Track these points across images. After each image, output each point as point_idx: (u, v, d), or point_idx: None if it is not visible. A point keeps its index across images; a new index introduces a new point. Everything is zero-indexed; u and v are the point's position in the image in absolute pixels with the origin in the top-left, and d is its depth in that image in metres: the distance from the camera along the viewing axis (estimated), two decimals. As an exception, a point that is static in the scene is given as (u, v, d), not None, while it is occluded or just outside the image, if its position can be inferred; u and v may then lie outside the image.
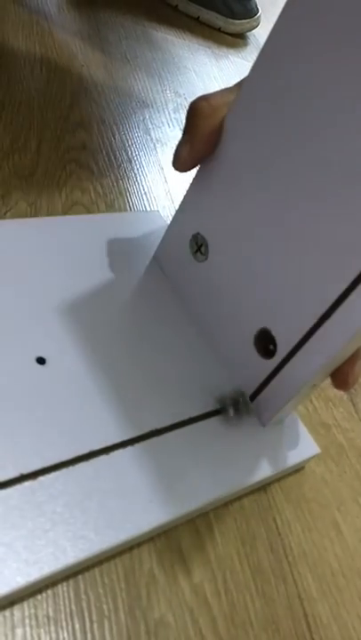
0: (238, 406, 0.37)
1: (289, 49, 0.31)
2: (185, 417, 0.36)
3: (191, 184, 0.39)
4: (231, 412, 0.37)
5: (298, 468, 0.40)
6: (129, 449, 0.33)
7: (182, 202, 0.40)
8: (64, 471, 0.31)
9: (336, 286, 0.31)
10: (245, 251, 0.36)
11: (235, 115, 0.35)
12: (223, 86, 0.79)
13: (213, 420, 0.37)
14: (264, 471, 0.37)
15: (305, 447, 0.40)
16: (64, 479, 0.31)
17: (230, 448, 0.37)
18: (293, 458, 0.38)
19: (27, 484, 0.30)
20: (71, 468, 0.31)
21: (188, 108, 0.38)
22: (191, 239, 0.40)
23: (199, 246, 0.39)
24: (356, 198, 0.29)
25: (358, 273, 0.30)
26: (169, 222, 0.43)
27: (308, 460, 0.40)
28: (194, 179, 0.39)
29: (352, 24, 0.28)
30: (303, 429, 0.40)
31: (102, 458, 0.32)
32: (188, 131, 0.38)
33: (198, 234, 0.39)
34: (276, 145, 0.33)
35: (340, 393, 0.46)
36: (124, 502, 0.31)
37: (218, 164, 0.37)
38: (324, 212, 0.31)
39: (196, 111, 0.37)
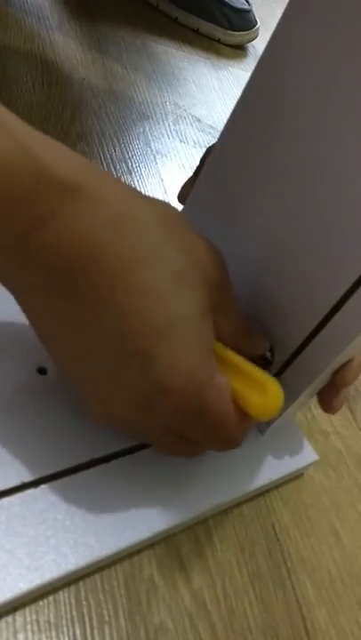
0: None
1: (286, 62, 0.31)
2: None
3: (189, 198, 0.40)
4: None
5: (296, 475, 0.40)
6: (129, 457, 0.34)
7: (183, 208, 0.41)
8: (65, 479, 0.32)
9: (332, 294, 0.32)
10: (242, 262, 0.37)
11: (231, 127, 0.35)
12: (222, 98, 0.80)
13: None
14: (263, 478, 0.37)
15: (303, 454, 0.40)
16: (65, 487, 0.31)
17: (229, 456, 0.37)
18: (292, 465, 0.39)
19: (29, 491, 0.30)
20: (72, 476, 0.32)
21: (205, 150, 0.41)
22: None
23: None
24: (351, 206, 0.30)
25: (354, 281, 0.31)
26: None
27: (307, 467, 0.40)
28: (192, 192, 0.39)
29: (348, 34, 0.28)
30: (302, 437, 0.41)
31: (103, 466, 0.33)
32: (195, 175, 0.41)
33: None
34: (271, 155, 0.33)
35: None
36: (125, 509, 0.32)
37: (215, 173, 0.37)
38: (320, 221, 0.32)
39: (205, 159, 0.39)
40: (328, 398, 0.37)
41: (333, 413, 0.39)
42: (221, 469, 0.36)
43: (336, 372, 0.36)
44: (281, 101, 0.32)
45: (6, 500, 0.30)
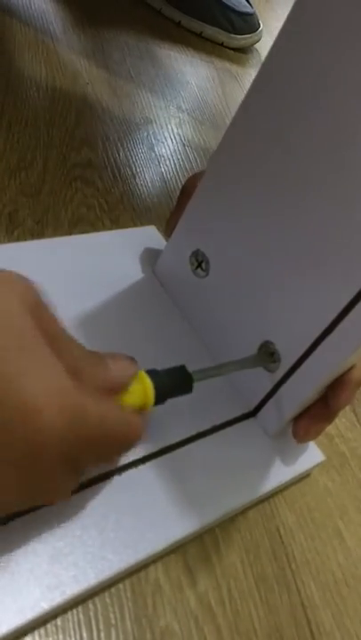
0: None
1: (288, 67, 0.31)
2: (192, 432, 0.37)
3: (191, 201, 0.40)
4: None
5: (303, 477, 0.40)
6: (141, 467, 0.34)
7: (182, 219, 0.41)
8: (80, 493, 0.32)
9: (339, 299, 0.32)
10: (246, 267, 0.37)
11: (232, 131, 0.36)
12: (226, 101, 0.80)
13: (220, 435, 0.38)
14: (272, 482, 0.37)
15: (310, 455, 0.40)
16: (79, 501, 0.31)
17: (239, 461, 0.37)
18: (299, 467, 0.39)
19: (45, 509, 0.30)
20: (86, 490, 0.32)
21: (182, 186, 0.44)
22: (191, 255, 0.41)
23: (199, 263, 0.40)
24: (356, 213, 0.30)
25: (359, 289, 0.31)
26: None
27: (314, 467, 0.40)
28: (193, 196, 0.39)
29: (352, 37, 0.28)
30: None
31: (115, 478, 0.33)
32: (179, 205, 0.43)
33: (198, 250, 0.40)
34: (274, 161, 0.33)
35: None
36: (140, 521, 0.32)
37: (217, 181, 0.37)
38: (324, 227, 0.32)
39: (186, 189, 0.42)
40: (308, 423, 0.38)
41: (307, 441, 0.39)
42: (231, 475, 0.36)
43: (331, 393, 0.37)
44: (283, 107, 0.32)
45: (23, 518, 0.30)
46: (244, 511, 0.37)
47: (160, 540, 0.32)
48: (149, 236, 0.50)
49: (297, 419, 0.38)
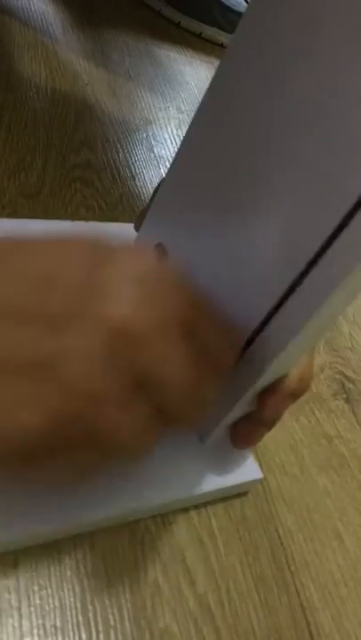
0: None
1: (246, 60, 0.31)
2: None
3: (157, 196, 0.39)
4: None
5: (240, 491, 0.38)
6: None
7: (148, 214, 0.41)
8: None
9: (273, 294, 0.30)
10: (195, 262, 0.36)
11: (193, 125, 0.35)
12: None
13: None
14: (193, 489, 0.36)
15: (246, 470, 0.38)
16: None
17: (161, 463, 0.35)
18: (231, 479, 0.37)
19: None
20: None
21: (158, 182, 0.41)
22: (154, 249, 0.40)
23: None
24: (302, 205, 0.29)
25: (294, 278, 0.30)
26: None
27: (250, 483, 0.38)
28: (158, 191, 0.39)
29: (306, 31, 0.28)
30: (248, 453, 0.38)
31: None
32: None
33: (160, 244, 0.40)
34: (228, 157, 0.33)
35: (342, 404, 0.47)
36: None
37: (176, 174, 0.37)
38: (264, 225, 0.31)
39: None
40: (245, 429, 0.35)
41: (245, 447, 0.36)
42: (150, 476, 0.35)
43: (259, 401, 0.33)
44: (238, 103, 0.32)
45: None
46: (242, 512, 0.37)
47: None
48: (125, 231, 0.49)
49: (235, 423, 0.35)
